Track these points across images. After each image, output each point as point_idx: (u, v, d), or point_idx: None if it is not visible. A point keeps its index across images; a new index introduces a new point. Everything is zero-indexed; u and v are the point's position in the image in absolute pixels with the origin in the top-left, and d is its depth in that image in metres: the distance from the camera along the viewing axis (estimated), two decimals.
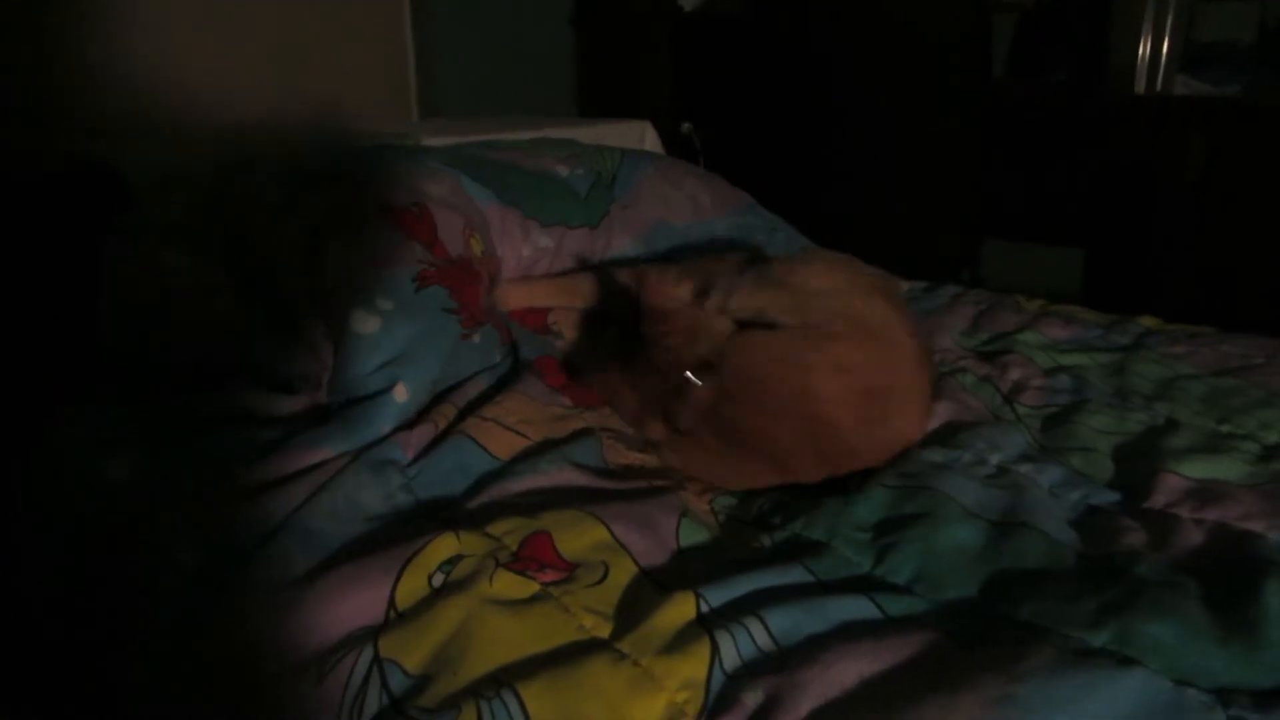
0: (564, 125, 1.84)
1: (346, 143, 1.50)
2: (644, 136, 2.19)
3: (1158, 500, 0.89)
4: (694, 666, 0.63)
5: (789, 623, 0.67)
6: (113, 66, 1.69)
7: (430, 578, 0.72)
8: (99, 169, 1.36)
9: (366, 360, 0.98)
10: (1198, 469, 0.93)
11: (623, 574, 0.73)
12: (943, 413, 1.05)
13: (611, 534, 0.78)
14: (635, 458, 0.97)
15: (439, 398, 1.00)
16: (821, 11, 2.60)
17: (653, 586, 0.73)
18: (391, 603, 0.70)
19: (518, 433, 0.96)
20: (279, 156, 1.29)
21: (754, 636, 0.66)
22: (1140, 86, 2.50)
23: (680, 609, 0.69)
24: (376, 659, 0.66)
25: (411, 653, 0.66)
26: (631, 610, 0.70)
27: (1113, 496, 0.91)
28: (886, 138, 2.54)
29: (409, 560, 0.72)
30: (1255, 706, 0.61)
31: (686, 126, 2.66)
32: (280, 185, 1.17)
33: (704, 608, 0.69)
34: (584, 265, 1.38)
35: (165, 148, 1.56)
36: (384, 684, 0.64)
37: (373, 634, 0.68)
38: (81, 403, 1.08)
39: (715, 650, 0.64)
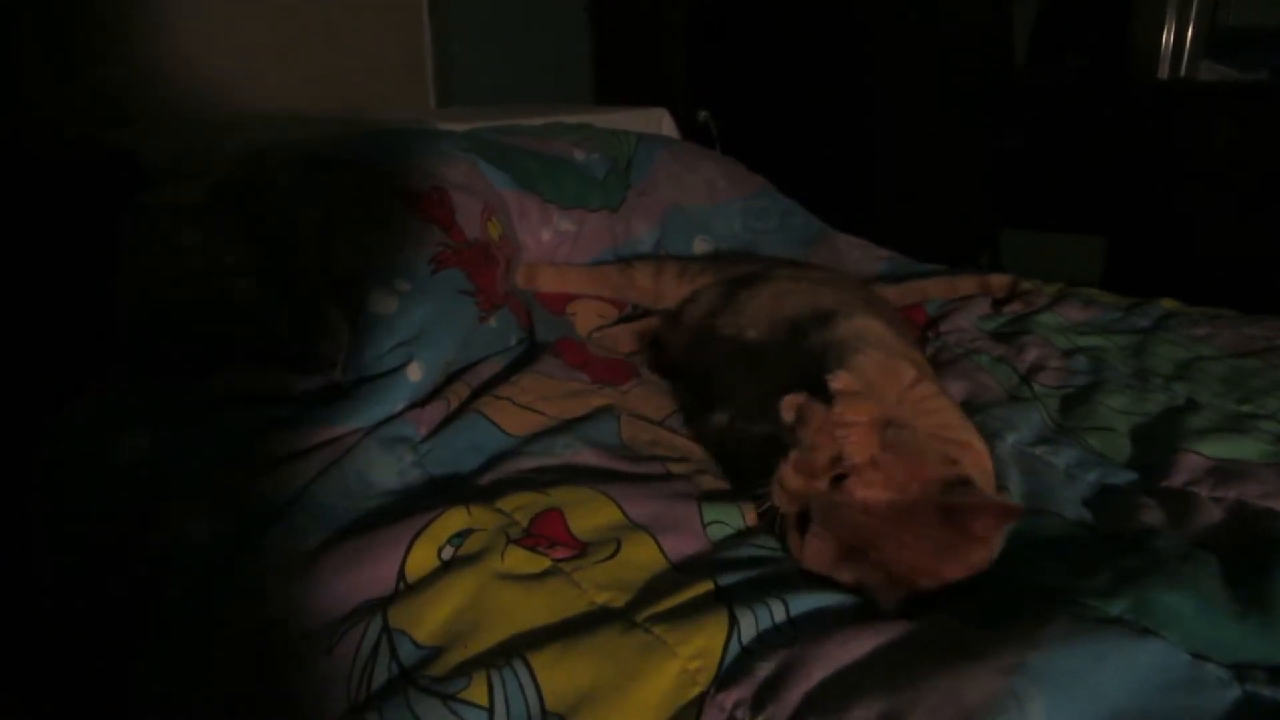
0: (581, 113, 1.84)
1: (362, 127, 1.51)
2: (661, 124, 2.18)
3: (1176, 479, 0.88)
4: (710, 637, 0.63)
5: (809, 603, 0.67)
6: (131, 53, 1.70)
7: (440, 551, 0.72)
8: (115, 152, 1.37)
9: (383, 340, 0.98)
10: (1217, 448, 0.92)
11: (637, 551, 0.73)
12: (958, 392, 1.04)
13: (625, 514, 0.77)
14: (657, 434, 0.96)
15: (453, 377, 1.01)
16: None
17: (671, 567, 0.73)
18: (401, 574, 0.70)
19: (533, 410, 0.96)
20: (295, 141, 1.29)
21: (773, 614, 0.66)
22: (1164, 72, 2.46)
23: (699, 587, 0.69)
24: (386, 629, 0.66)
25: (421, 624, 0.66)
26: (647, 586, 0.70)
27: (1130, 476, 0.90)
28: (905, 125, 2.52)
29: (419, 533, 0.73)
30: (1270, 682, 0.60)
31: (704, 114, 2.64)
32: (296, 168, 1.17)
33: (724, 586, 0.69)
34: (615, 257, 1.41)
35: (184, 133, 1.58)
36: (393, 654, 0.65)
37: (382, 605, 0.68)
38: (96, 382, 1.09)
39: (734, 624, 0.64)
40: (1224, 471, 0.87)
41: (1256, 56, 2.43)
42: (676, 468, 0.89)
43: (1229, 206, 2.34)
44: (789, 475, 0.72)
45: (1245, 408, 1.02)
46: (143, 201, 1.20)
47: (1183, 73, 2.45)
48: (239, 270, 1.11)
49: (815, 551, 0.70)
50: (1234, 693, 0.60)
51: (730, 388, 0.99)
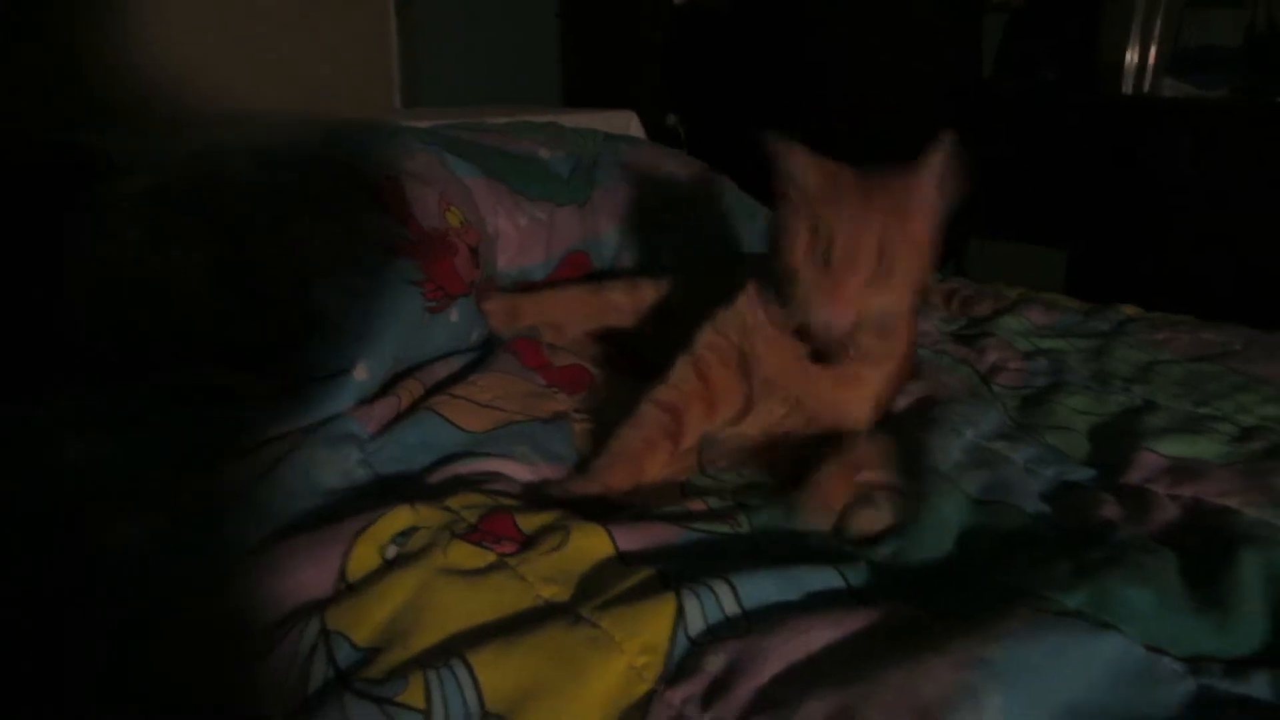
0: (549, 114, 1.83)
1: (322, 124, 1.48)
2: (629, 126, 2.18)
3: (1133, 477, 0.87)
4: (656, 630, 0.61)
5: (757, 590, 0.65)
6: (94, 51, 1.66)
7: (383, 550, 0.69)
8: (72, 148, 1.33)
9: (330, 336, 0.96)
10: (1175, 448, 0.92)
11: (585, 540, 0.71)
12: (919, 391, 1.03)
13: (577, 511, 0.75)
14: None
15: (405, 373, 0.98)
16: (813, 8, 2.59)
17: (618, 555, 0.71)
18: (342, 575, 0.68)
19: (490, 407, 0.94)
20: (249, 137, 1.27)
21: (721, 602, 0.64)
22: (1128, 87, 2.50)
23: (646, 574, 0.67)
24: (323, 631, 0.63)
25: (360, 625, 0.63)
26: (594, 577, 0.68)
27: (1089, 473, 0.90)
28: (873, 134, 2.53)
29: (361, 532, 0.70)
30: (1226, 675, 0.60)
31: (672, 118, 2.65)
32: (249, 163, 1.14)
33: (671, 574, 0.67)
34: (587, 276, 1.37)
35: (146, 130, 1.54)
36: (330, 656, 0.62)
37: (321, 606, 0.65)
38: (40, 383, 1.05)
39: (680, 614, 0.62)
40: (1181, 470, 0.87)
41: (1216, 75, 2.47)
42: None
43: (1188, 220, 2.38)
44: (840, 291, 0.82)
45: (1202, 410, 1.02)
46: (92, 196, 1.16)
47: (1146, 89, 2.49)
48: (188, 267, 1.08)
49: (909, 244, 0.83)
50: (1189, 685, 0.59)
51: None
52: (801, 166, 0.86)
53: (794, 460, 0.88)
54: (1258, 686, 0.59)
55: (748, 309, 0.94)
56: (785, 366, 0.92)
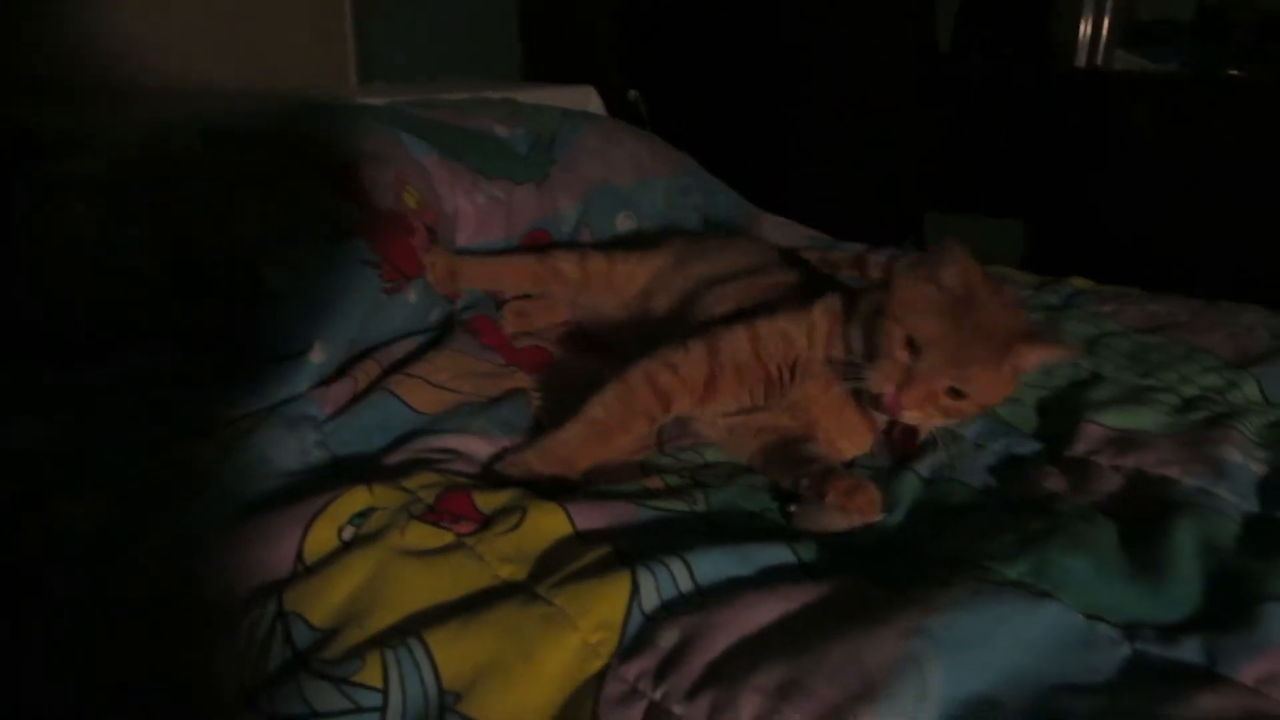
0: (506, 89, 1.81)
1: (274, 100, 1.45)
2: (588, 102, 2.16)
3: (1078, 449, 0.90)
4: (610, 607, 0.62)
5: (712, 566, 0.67)
6: (38, 23, 1.61)
7: (340, 531, 0.70)
8: (9, 124, 1.30)
9: (280, 316, 0.95)
10: (1118, 419, 0.94)
11: (543, 519, 0.71)
12: None
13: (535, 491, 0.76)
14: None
15: (362, 354, 0.98)
16: None
17: (575, 534, 0.72)
18: (299, 556, 0.68)
19: (446, 389, 0.94)
20: (198, 114, 1.24)
21: (676, 578, 0.65)
22: (1081, 61, 2.53)
23: (602, 552, 0.68)
24: (280, 613, 0.64)
25: (317, 606, 0.64)
26: (551, 555, 0.69)
27: (1036, 446, 0.92)
28: (833, 108, 2.54)
29: (318, 514, 0.70)
30: (1159, 640, 0.62)
31: (633, 94, 2.62)
32: (197, 141, 1.12)
33: (628, 552, 0.68)
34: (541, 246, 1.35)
35: (91, 106, 1.50)
36: (287, 637, 0.62)
37: (278, 588, 0.65)
38: None
39: (635, 590, 0.63)
40: (1123, 441, 0.90)
41: (1168, 49, 2.51)
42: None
43: (1141, 191, 2.42)
44: (909, 396, 0.80)
45: (1147, 381, 1.05)
46: (37, 175, 1.14)
47: (1099, 63, 2.52)
48: (137, 247, 1.06)
49: (985, 384, 0.81)
50: (1125, 651, 0.61)
51: None
52: (957, 271, 0.83)
53: (763, 443, 0.90)
54: (1189, 650, 0.61)
55: (809, 335, 0.90)
56: (823, 403, 0.89)
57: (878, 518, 0.77)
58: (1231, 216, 2.29)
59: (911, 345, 0.81)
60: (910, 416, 0.82)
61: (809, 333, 0.90)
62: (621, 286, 1.17)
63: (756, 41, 2.58)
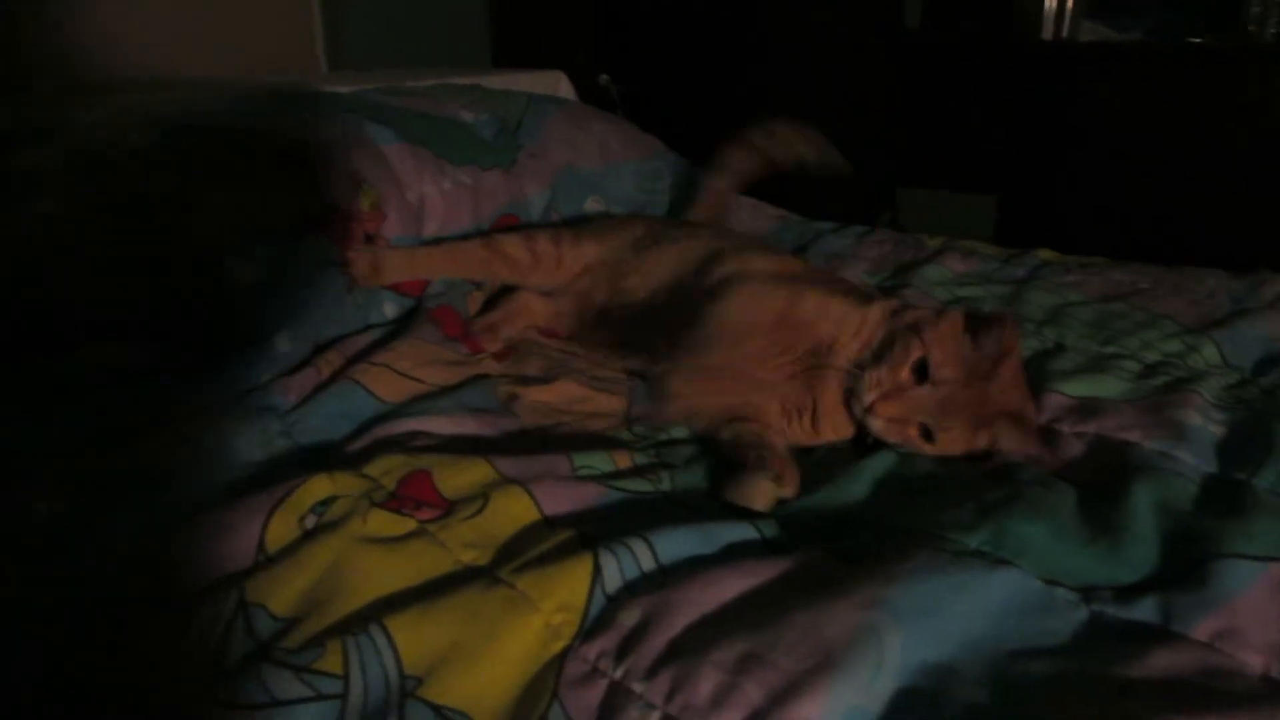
0: (475, 76, 1.80)
1: (237, 90, 1.44)
2: (558, 87, 2.14)
3: (1041, 417, 0.91)
4: (573, 588, 0.62)
5: (675, 545, 0.67)
6: None
7: (302, 520, 0.69)
8: None
9: (244, 309, 0.94)
10: (1080, 388, 0.95)
11: (507, 504, 0.72)
12: None
13: (496, 470, 0.76)
14: (531, 399, 0.95)
15: (325, 346, 0.98)
16: None
17: (542, 519, 0.72)
18: (261, 546, 0.68)
19: (410, 378, 0.94)
20: (158, 105, 1.23)
21: (638, 558, 0.65)
22: (1048, 33, 2.54)
23: (566, 535, 0.69)
24: (242, 603, 0.63)
25: (279, 595, 0.64)
26: (514, 540, 0.69)
27: None
28: (800, 85, 2.54)
29: (279, 503, 0.70)
30: (1116, 601, 0.63)
31: (604, 78, 2.61)
32: (155, 133, 1.11)
33: (591, 534, 0.68)
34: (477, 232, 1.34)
35: (52, 99, 1.48)
36: (249, 627, 0.62)
37: (240, 578, 0.65)
38: None
39: (598, 572, 0.63)
40: (1085, 409, 0.91)
41: (1132, 18, 2.52)
42: (555, 421, 0.90)
43: (1109, 161, 2.44)
44: (887, 407, 0.83)
45: (1109, 349, 1.06)
46: (2, 176, 1.12)
47: (1065, 34, 2.52)
48: (95, 239, 1.05)
49: (954, 440, 0.83)
50: (1082, 614, 0.62)
51: (650, 343, 1.00)
52: (997, 339, 0.84)
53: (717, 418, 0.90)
54: (1145, 610, 0.62)
55: (859, 326, 0.91)
56: (832, 388, 0.90)
57: (789, 494, 0.79)
58: (1198, 182, 2.31)
59: (917, 373, 0.83)
60: (876, 424, 0.85)
61: (860, 324, 0.91)
62: (572, 268, 1.16)
63: (725, 22, 2.57)
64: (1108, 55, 2.45)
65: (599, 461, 0.81)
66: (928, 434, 0.83)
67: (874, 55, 2.65)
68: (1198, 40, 2.38)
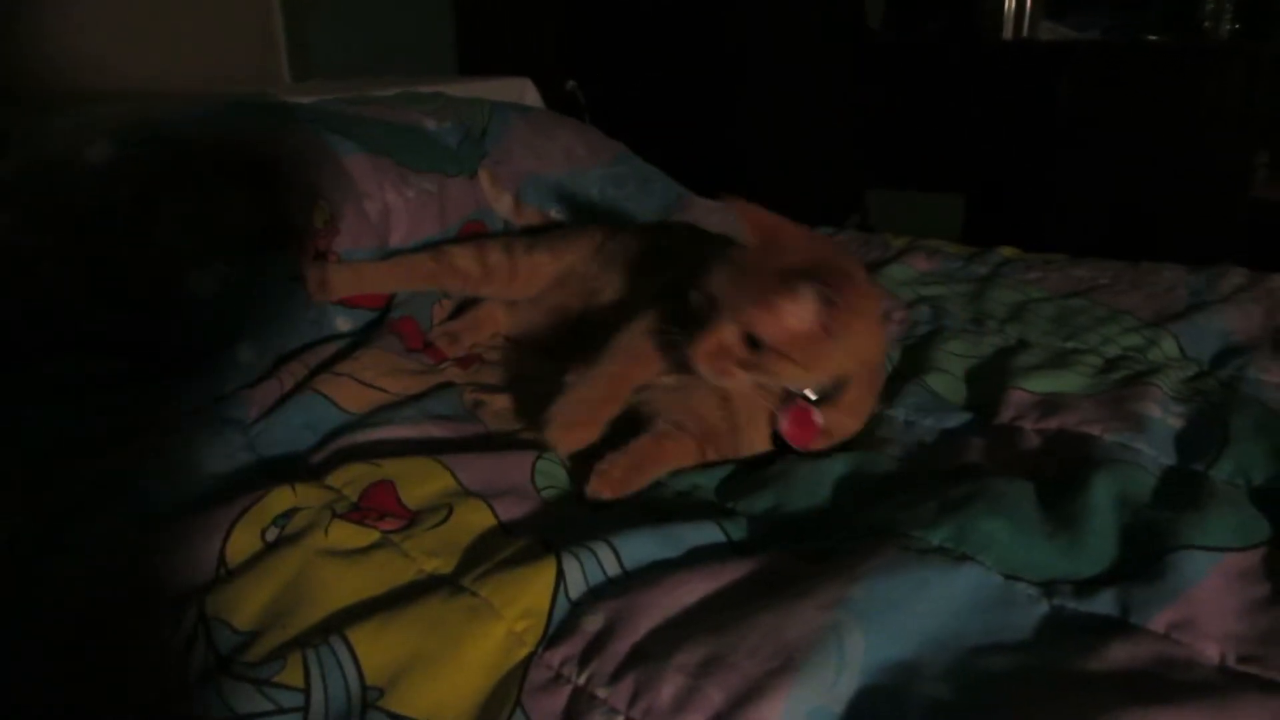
0: (442, 84, 1.79)
1: (198, 102, 1.42)
2: (524, 94, 2.14)
3: (1005, 415, 0.92)
4: (536, 595, 0.62)
5: (639, 549, 0.67)
6: None
7: (264, 533, 0.69)
8: None
9: (206, 322, 0.94)
10: (1043, 384, 0.96)
11: (469, 515, 0.72)
12: None
13: (458, 481, 0.76)
14: (500, 400, 0.95)
15: (287, 357, 0.97)
16: None
17: (503, 529, 0.72)
18: (222, 560, 0.67)
19: (374, 387, 0.93)
20: (113, 116, 1.21)
21: (602, 563, 0.65)
22: (1008, 32, 2.57)
23: (528, 541, 0.68)
24: (202, 618, 0.63)
25: (240, 609, 0.63)
26: (477, 548, 0.69)
27: (965, 417, 0.94)
28: (767, 89, 2.56)
29: (240, 516, 0.69)
30: (1076, 595, 0.64)
31: (571, 84, 2.61)
32: (110, 144, 1.10)
33: (553, 539, 0.68)
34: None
35: (9, 113, 1.45)
36: (209, 642, 0.61)
37: (200, 593, 0.65)
38: None
39: (561, 578, 0.63)
40: (1047, 404, 0.92)
41: (1090, 18, 2.56)
42: (517, 430, 0.90)
43: (1071, 157, 2.47)
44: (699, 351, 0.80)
45: (1070, 344, 1.08)
46: None
47: (1025, 33, 2.56)
48: (47, 253, 1.04)
49: (772, 323, 0.79)
50: (1043, 608, 0.63)
51: None
52: (745, 225, 0.84)
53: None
54: (1104, 603, 0.63)
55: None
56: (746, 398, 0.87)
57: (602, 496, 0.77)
58: (1160, 176, 2.35)
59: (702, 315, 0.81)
60: (706, 372, 0.81)
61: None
62: (527, 279, 1.15)
63: (692, 27, 2.58)
64: (1068, 53, 2.49)
65: (559, 479, 0.81)
66: (757, 348, 0.79)
67: (838, 57, 2.67)
68: (1153, 38, 2.42)
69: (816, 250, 0.86)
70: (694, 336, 0.80)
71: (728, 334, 0.80)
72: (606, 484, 0.77)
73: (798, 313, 0.79)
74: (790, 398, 0.85)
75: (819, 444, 0.86)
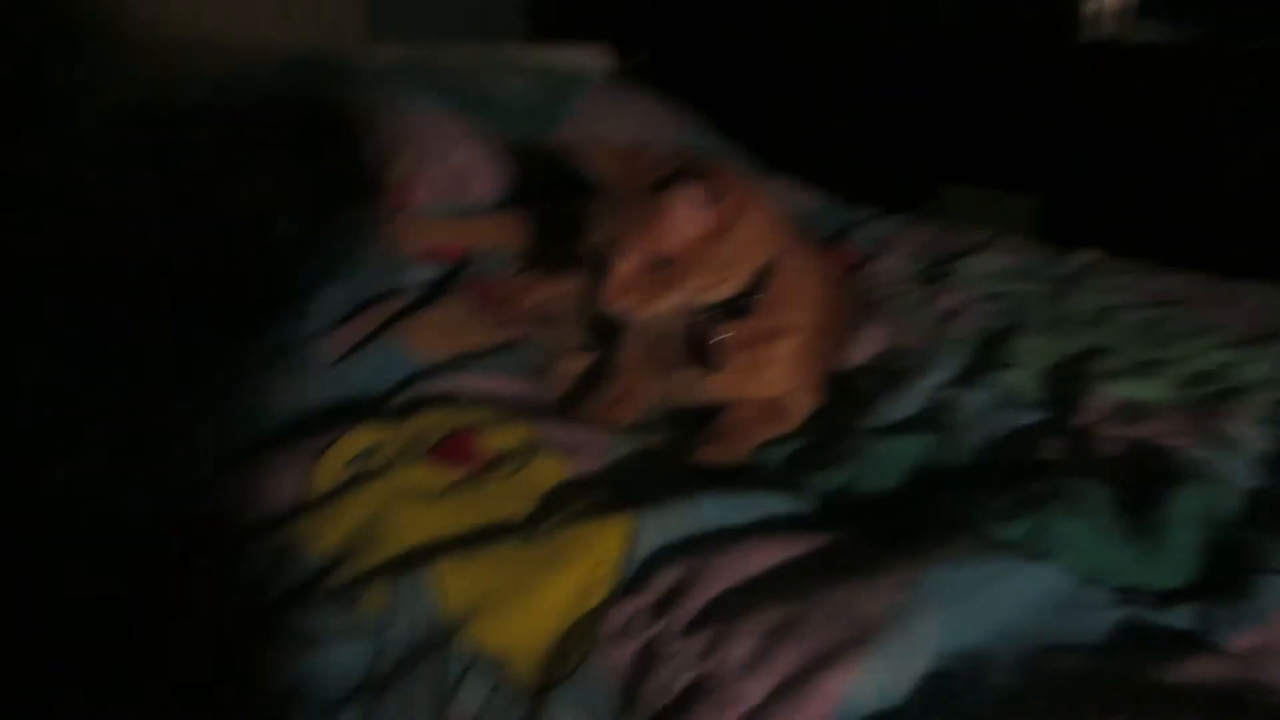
0: (517, 48, 1.79)
1: (281, 56, 1.44)
2: (598, 61, 2.14)
3: (1083, 418, 0.90)
4: (608, 546, 0.63)
5: (710, 512, 0.68)
6: None
7: (345, 467, 0.71)
8: (7, 76, 1.29)
9: (291, 270, 0.96)
10: (1124, 390, 0.94)
11: (545, 466, 0.73)
12: (880, 336, 1.05)
13: (535, 432, 0.77)
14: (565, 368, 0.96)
15: (365, 305, 0.99)
16: None
17: (578, 482, 0.73)
18: (305, 491, 0.69)
19: (449, 338, 0.95)
20: (205, 69, 1.24)
21: (675, 522, 0.66)
22: (1098, 32, 2.49)
23: (603, 494, 0.69)
24: (287, 543, 0.65)
25: (322, 537, 0.65)
26: (551, 498, 0.70)
27: (1040, 415, 0.92)
28: (839, 81, 2.53)
29: (323, 451, 0.71)
30: (1152, 605, 0.62)
31: (642, 54, 2.60)
32: (199, 89, 1.13)
33: (628, 495, 0.69)
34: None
35: (93, 58, 1.49)
36: (292, 567, 0.63)
37: (284, 520, 0.67)
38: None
39: (634, 532, 0.64)
40: (1129, 411, 0.90)
41: (1186, 19, 2.47)
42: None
43: (1156, 165, 2.40)
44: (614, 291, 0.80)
45: (1154, 354, 1.04)
46: (50, 131, 1.14)
47: (1117, 33, 2.48)
48: (147, 199, 1.07)
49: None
50: (1117, 614, 0.62)
51: None
52: (596, 168, 0.84)
53: None
54: (1181, 618, 0.62)
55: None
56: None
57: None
58: (1246, 193, 2.27)
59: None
60: (623, 310, 0.80)
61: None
62: None
63: (764, 14, 2.56)
64: (1161, 56, 2.40)
65: (632, 444, 0.81)
66: (663, 265, 0.79)
67: (910, 48, 2.62)
68: (1249, 46, 2.33)
69: (677, 159, 0.85)
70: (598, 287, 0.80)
71: (627, 267, 0.79)
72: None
73: (684, 215, 0.79)
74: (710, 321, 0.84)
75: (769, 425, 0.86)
